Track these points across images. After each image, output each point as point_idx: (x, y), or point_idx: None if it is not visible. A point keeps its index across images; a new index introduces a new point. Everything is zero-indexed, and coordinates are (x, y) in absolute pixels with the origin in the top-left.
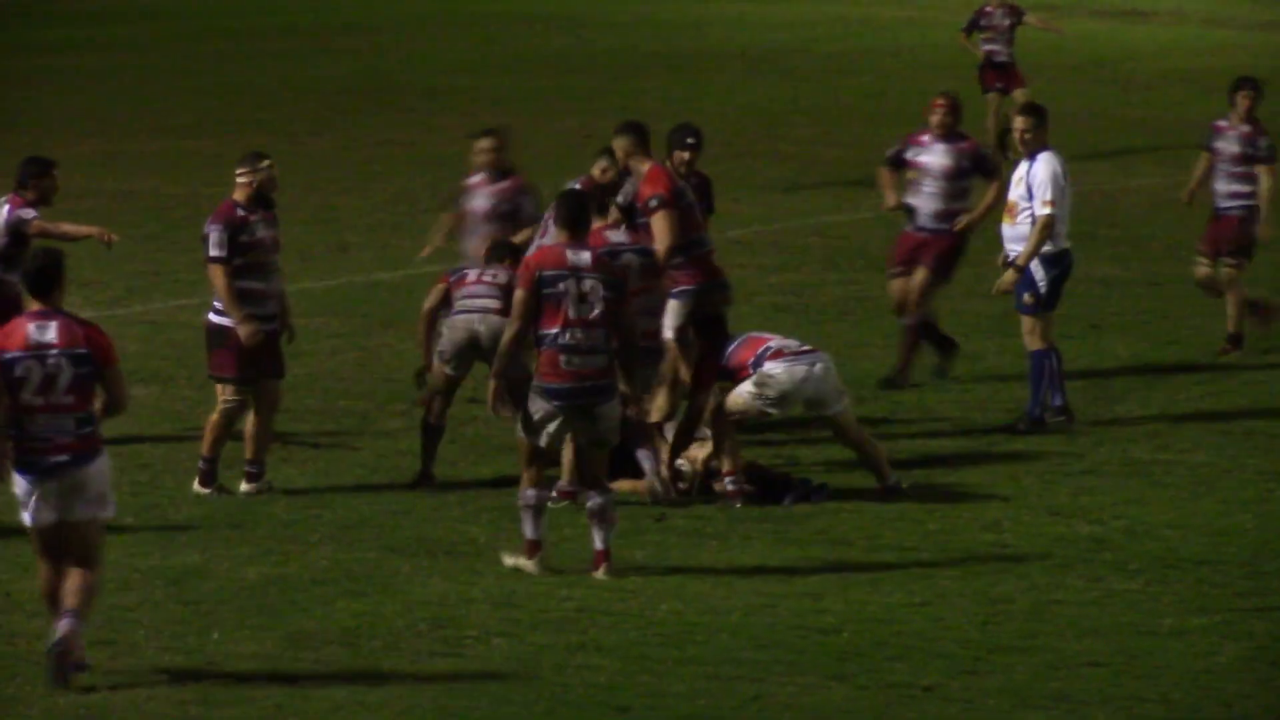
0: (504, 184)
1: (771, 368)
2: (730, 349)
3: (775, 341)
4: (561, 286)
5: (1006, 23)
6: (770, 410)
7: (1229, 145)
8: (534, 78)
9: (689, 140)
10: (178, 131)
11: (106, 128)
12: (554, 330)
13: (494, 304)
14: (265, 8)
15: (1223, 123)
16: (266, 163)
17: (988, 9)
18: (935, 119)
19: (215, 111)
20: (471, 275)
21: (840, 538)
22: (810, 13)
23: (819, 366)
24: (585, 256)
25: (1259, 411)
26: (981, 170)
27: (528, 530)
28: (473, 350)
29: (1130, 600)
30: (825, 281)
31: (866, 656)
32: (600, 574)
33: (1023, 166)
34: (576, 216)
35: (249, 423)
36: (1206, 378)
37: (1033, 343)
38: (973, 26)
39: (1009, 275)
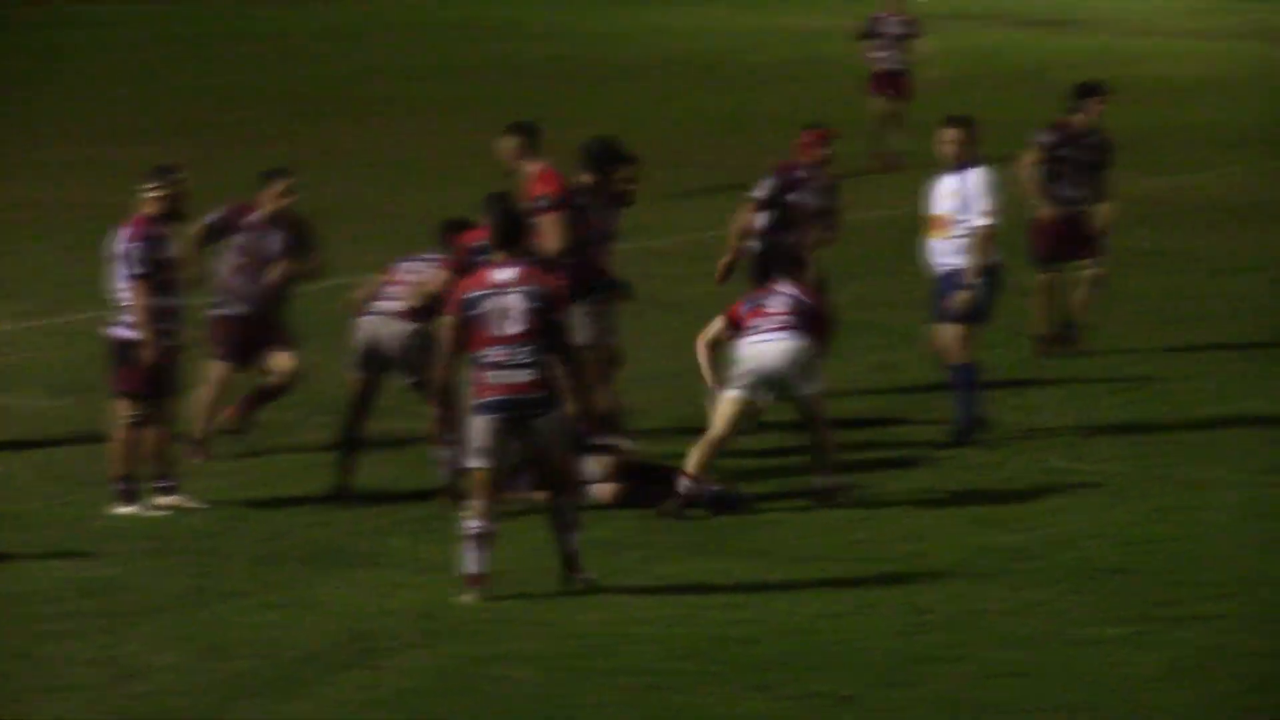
0: (289, 225)
1: (742, 347)
2: (745, 308)
3: (767, 313)
4: (484, 306)
5: (899, 32)
6: (746, 392)
7: (1083, 152)
8: (469, 86)
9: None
10: (113, 138)
11: (42, 137)
12: (480, 351)
13: (400, 306)
14: (210, 14)
15: (1073, 127)
16: (179, 175)
17: (881, 15)
18: (827, 152)
19: (155, 119)
20: (399, 271)
21: (761, 548)
22: (733, 23)
23: (784, 345)
24: (510, 273)
25: (1176, 421)
26: (836, 202)
27: (471, 563)
28: (376, 355)
29: (1050, 610)
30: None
31: (788, 667)
32: (572, 578)
33: (952, 180)
34: (505, 234)
35: (150, 440)
36: (1124, 387)
37: (957, 355)
38: (868, 34)
39: (964, 295)
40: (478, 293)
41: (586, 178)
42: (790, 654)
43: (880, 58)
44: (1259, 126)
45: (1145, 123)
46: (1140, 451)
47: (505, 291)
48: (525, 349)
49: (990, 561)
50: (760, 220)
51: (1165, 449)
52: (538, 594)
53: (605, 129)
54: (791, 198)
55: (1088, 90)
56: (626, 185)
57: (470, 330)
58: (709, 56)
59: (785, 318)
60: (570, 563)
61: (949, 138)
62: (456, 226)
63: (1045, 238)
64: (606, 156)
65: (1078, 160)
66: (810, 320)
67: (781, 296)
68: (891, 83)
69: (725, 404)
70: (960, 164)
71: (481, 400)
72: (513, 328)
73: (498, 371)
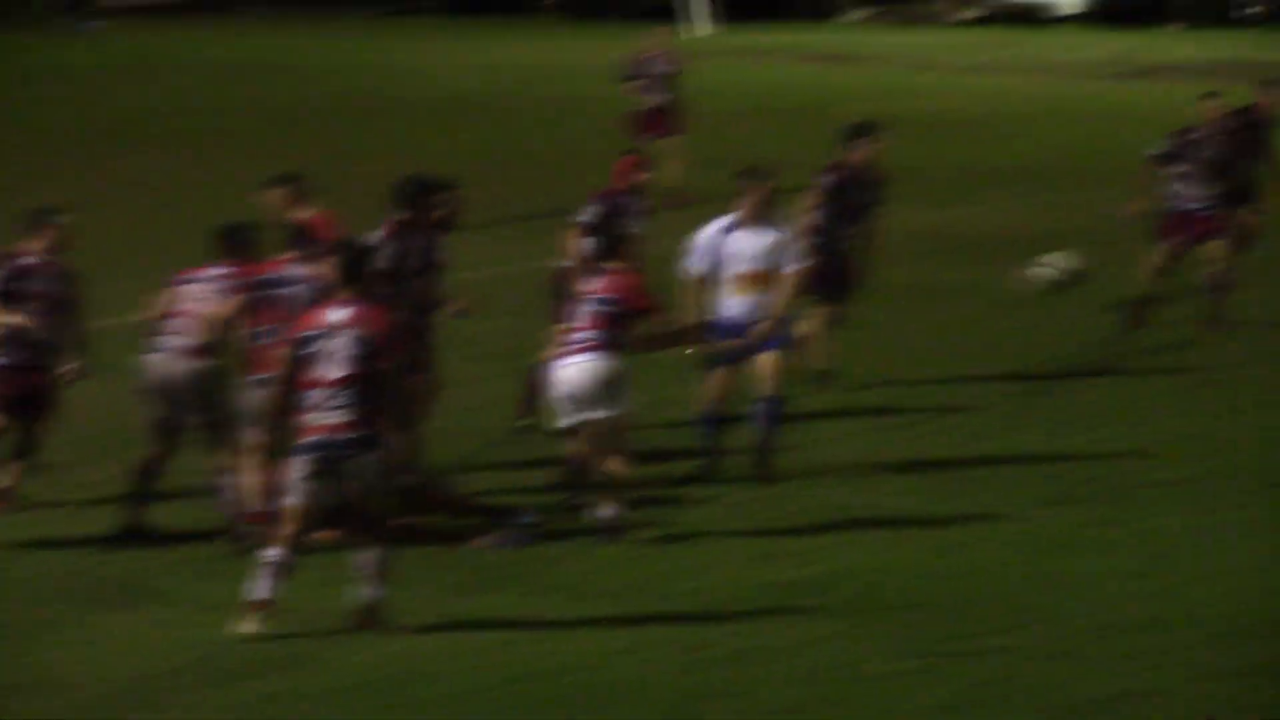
0: (63, 266)
1: (553, 371)
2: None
3: (575, 330)
4: (313, 346)
5: (664, 69)
6: (571, 417)
7: (858, 191)
8: (248, 123)
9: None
10: None
11: None
12: (306, 391)
13: (189, 342)
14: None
15: (848, 168)
16: None
17: (646, 55)
18: (645, 177)
19: None
20: (185, 299)
21: (548, 584)
22: (514, 58)
23: (577, 368)
24: (344, 314)
25: (958, 455)
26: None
27: (261, 589)
28: (168, 394)
29: (835, 644)
30: (525, 329)
31: (570, 704)
32: (361, 627)
33: (762, 235)
34: (347, 272)
35: None
36: (908, 420)
37: (775, 386)
38: (634, 74)
39: (769, 325)
40: (309, 333)
41: (402, 215)
42: (573, 690)
43: (650, 98)
44: (1038, 159)
45: (927, 156)
46: (924, 485)
47: (335, 334)
48: (345, 393)
49: (774, 597)
50: (586, 246)
51: (948, 482)
52: (324, 631)
53: (386, 165)
54: (617, 222)
55: (861, 130)
56: (446, 211)
57: (301, 368)
58: (483, 93)
59: (590, 335)
60: (369, 614)
61: (758, 193)
62: (236, 235)
63: (820, 276)
64: (418, 189)
65: (852, 200)
66: (620, 326)
67: (591, 303)
68: (660, 121)
69: (569, 436)
70: (767, 217)
71: (301, 440)
72: (336, 371)
73: (316, 413)
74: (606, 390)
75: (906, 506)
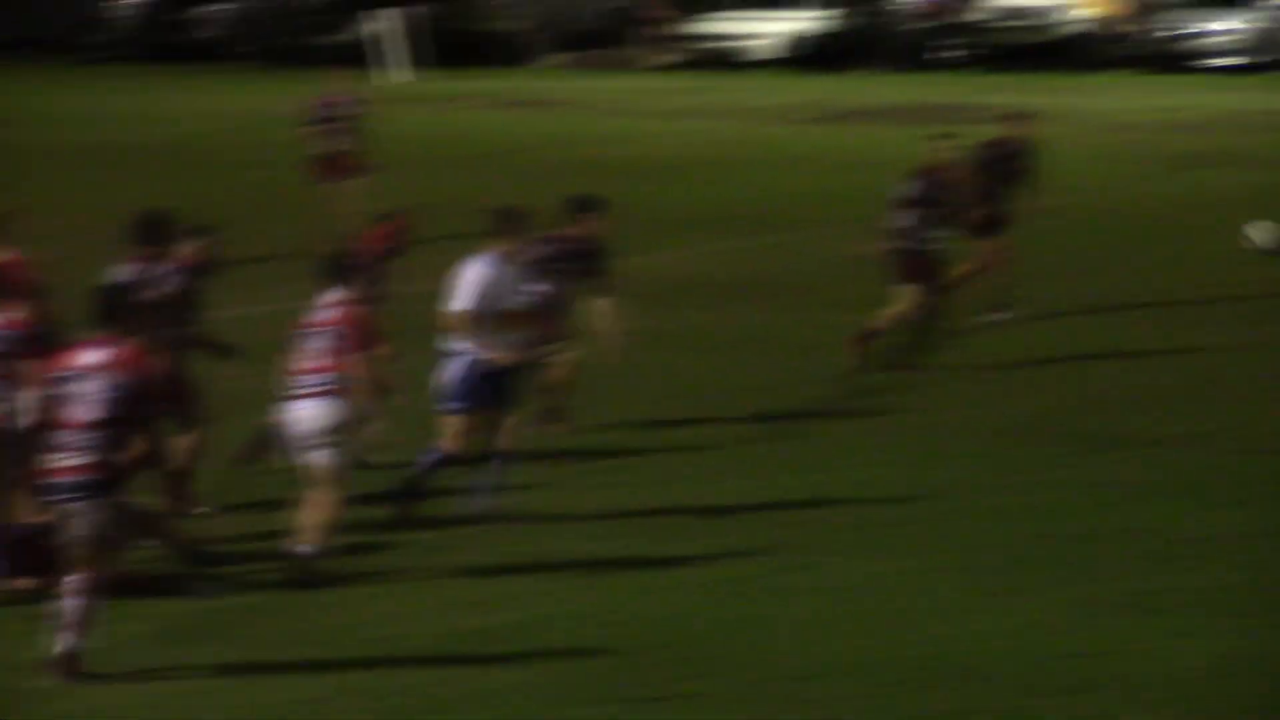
0: None
1: (283, 409)
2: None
3: (303, 369)
4: (63, 388)
5: (347, 114)
6: (293, 458)
7: (574, 261)
8: None
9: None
10: None
11: None
12: (53, 432)
13: None
14: None
15: (566, 240)
16: None
17: (329, 100)
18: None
19: None
20: None
21: (248, 633)
22: (218, 105)
23: (301, 410)
24: (97, 356)
25: (661, 500)
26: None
27: (72, 609)
28: None
29: (529, 692)
30: (251, 374)
31: None
32: (54, 679)
33: (518, 276)
34: (102, 313)
35: None
36: (611, 466)
37: (508, 440)
38: (319, 119)
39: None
40: (60, 374)
41: (145, 251)
42: None
43: (337, 141)
44: (738, 204)
45: (625, 201)
46: (623, 530)
47: (86, 376)
48: (90, 436)
49: (472, 643)
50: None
51: (655, 527)
52: (22, 680)
53: (93, 212)
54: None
55: (586, 205)
56: (205, 252)
57: (52, 410)
58: (187, 140)
59: (317, 375)
60: (68, 663)
61: (516, 234)
62: None
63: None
64: (158, 224)
65: (571, 269)
66: (347, 363)
67: (319, 337)
68: (341, 165)
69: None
70: (520, 259)
71: (43, 482)
72: (85, 414)
73: (57, 455)
74: (326, 433)
75: (611, 550)
